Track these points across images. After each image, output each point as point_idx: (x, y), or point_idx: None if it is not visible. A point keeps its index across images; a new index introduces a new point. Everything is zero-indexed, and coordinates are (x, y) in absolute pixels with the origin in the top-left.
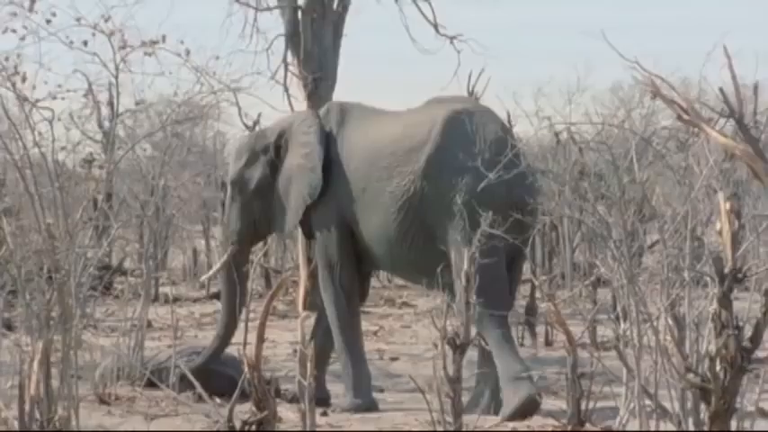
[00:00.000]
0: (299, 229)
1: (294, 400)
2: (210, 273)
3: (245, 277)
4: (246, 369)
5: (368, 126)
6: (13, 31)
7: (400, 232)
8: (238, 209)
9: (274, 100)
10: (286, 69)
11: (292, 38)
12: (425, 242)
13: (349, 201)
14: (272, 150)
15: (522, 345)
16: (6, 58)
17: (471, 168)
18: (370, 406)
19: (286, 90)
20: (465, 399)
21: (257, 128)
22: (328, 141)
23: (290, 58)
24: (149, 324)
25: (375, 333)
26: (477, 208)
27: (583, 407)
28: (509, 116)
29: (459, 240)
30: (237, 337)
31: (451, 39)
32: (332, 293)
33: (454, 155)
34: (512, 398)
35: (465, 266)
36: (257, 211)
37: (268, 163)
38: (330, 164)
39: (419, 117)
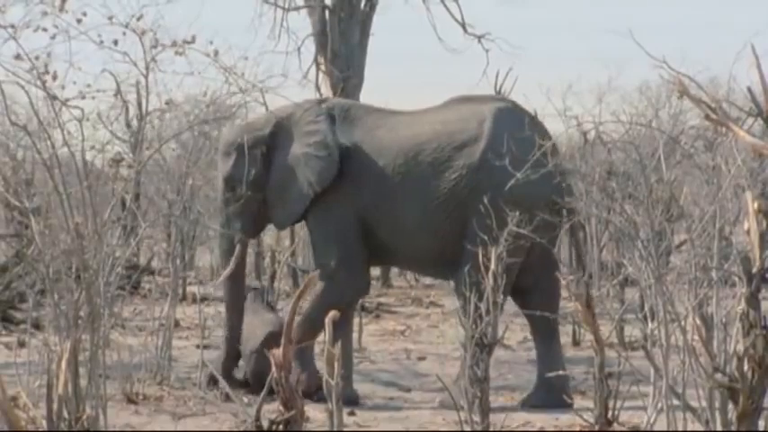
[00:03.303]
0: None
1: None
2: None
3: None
4: (274, 369)
5: (391, 124)
6: (44, 29)
7: (436, 225)
8: (236, 207)
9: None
10: (318, 69)
11: (320, 37)
12: (456, 236)
13: (376, 196)
14: (267, 142)
15: None
16: (36, 57)
17: (524, 163)
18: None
19: (318, 89)
20: (492, 399)
21: None
22: (337, 132)
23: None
24: (177, 323)
25: (402, 333)
26: (528, 204)
27: (610, 406)
28: (535, 114)
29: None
30: None
31: (479, 38)
32: (331, 285)
33: (507, 150)
34: None
35: (492, 266)
36: (255, 206)
37: (261, 156)
38: (343, 157)
39: (461, 113)
